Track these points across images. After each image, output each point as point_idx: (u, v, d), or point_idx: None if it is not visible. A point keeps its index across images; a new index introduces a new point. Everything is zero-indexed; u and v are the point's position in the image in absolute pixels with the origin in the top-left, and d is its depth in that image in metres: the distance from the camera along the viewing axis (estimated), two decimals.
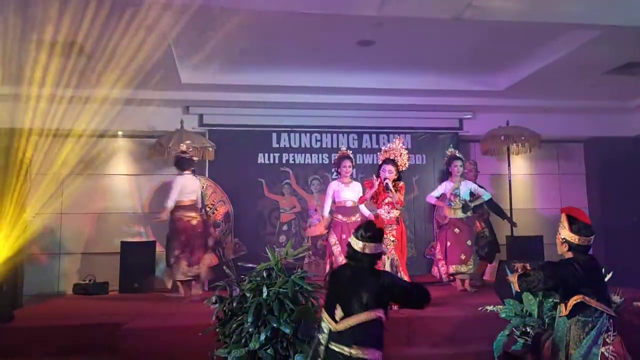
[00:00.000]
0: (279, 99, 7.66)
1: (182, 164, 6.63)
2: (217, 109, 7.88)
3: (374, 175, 5.52)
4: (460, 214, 6.60)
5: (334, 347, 2.82)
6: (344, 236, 6.02)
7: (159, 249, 7.65)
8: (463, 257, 6.48)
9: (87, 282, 7.23)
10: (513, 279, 3.27)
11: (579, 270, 3.11)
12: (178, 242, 6.37)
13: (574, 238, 3.17)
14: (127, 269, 7.24)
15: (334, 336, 2.83)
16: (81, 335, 4.52)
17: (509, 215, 7.63)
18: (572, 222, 3.22)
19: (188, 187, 6.55)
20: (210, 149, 7.42)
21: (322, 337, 2.89)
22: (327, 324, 2.88)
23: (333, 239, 6.02)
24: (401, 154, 5.50)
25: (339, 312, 2.83)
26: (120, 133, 7.96)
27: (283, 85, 7.36)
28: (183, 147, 6.69)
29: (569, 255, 3.21)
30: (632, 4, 4.85)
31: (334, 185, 6.08)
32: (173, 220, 6.46)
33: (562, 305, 3.20)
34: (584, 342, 3.06)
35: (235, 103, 7.73)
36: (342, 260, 5.90)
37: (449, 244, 6.56)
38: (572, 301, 3.10)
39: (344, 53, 6.62)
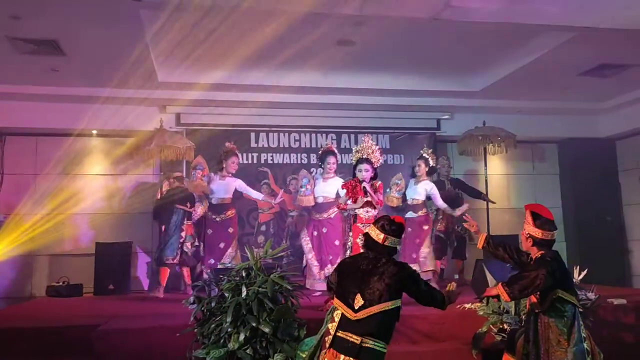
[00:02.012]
0: (257, 99, 7.62)
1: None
2: (195, 108, 7.80)
3: (353, 179, 5.43)
4: (410, 214, 6.50)
5: (343, 335, 2.80)
6: (315, 233, 6.04)
7: (135, 250, 7.55)
8: (414, 256, 6.31)
9: (61, 284, 7.07)
10: (498, 291, 3.20)
11: (554, 264, 3.17)
12: None
13: (537, 233, 3.25)
14: (102, 270, 7.10)
15: (345, 325, 2.82)
16: (55, 337, 4.41)
17: (486, 213, 7.73)
18: (536, 217, 3.30)
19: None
20: (190, 149, 7.34)
21: (332, 326, 2.87)
22: (340, 312, 2.86)
23: (305, 236, 6.06)
24: (373, 151, 5.46)
25: (358, 301, 2.82)
26: (94, 132, 7.82)
27: (262, 85, 7.33)
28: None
29: (534, 250, 3.26)
30: (604, 7, 4.95)
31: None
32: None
33: (536, 302, 3.23)
34: (571, 344, 3.08)
35: (213, 102, 7.66)
36: (311, 257, 5.96)
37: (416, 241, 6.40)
38: (550, 297, 3.14)
39: (323, 52, 6.61)
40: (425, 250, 6.35)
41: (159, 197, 6.94)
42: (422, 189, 6.57)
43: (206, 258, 6.57)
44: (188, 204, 6.72)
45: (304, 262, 6.31)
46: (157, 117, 7.52)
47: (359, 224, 5.14)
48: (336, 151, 6.22)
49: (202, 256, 6.71)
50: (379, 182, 5.39)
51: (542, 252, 3.25)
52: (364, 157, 5.35)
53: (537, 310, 3.23)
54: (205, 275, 6.24)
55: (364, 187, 5.19)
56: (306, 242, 6.11)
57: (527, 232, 3.28)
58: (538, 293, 3.17)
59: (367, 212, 5.23)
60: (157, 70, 6.72)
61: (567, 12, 5.01)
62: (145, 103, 7.55)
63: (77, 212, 7.72)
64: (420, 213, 6.53)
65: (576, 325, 3.11)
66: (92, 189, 7.87)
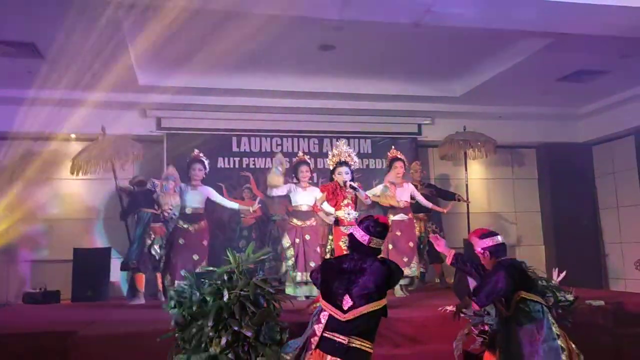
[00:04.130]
0: (239, 103, 7.60)
1: None
2: (176, 112, 7.74)
3: (332, 182, 5.44)
4: (401, 216, 6.51)
5: (330, 336, 2.80)
6: (297, 240, 6.05)
7: (115, 255, 7.44)
8: (405, 259, 6.32)
9: (38, 290, 6.93)
10: (466, 304, 3.29)
11: (511, 268, 3.27)
12: None
13: (487, 242, 3.38)
14: (80, 276, 6.97)
15: (332, 326, 2.81)
16: (31, 344, 4.29)
17: (467, 218, 7.80)
18: (478, 235, 3.47)
19: None
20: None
21: (318, 328, 2.85)
22: (327, 314, 2.85)
23: (287, 242, 6.05)
24: (349, 154, 5.51)
25: (347, 302, 2.81)
26: (73, 136, 7.70)
27: (243, 89, 7.31)
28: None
29: (493, 261, 3.36)
30: (580, 13, 5.05)
31: (291, 187, 6.23)
32: None
33: (502, 307, 3.31)
34: (541, 340, 3.13)
35: (194, 106, 7.63)
36: (291, 264, 5.94)
37: (390, 247, 6.36)
38: (515, 300, 3.21)
39: (305, 57, 6.64)
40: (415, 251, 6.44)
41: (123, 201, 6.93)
42: (408, 191, 6.61)
43: (177, 267, 6.19)
44: (155, 206, 6.61)
45: (283, 268, 6.23)
46: (138, 121, 7.45)
47: (340, 227, 5.14)
48: (308, 160, 6.35)
49: (171, 264, 6.43)
50: (357, 183, 5.41)
51: (496, 261, 3.35)
52: (342, 160, 5.37)
53: (504, 316, 3.28)
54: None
55: (351, 184, 5.20)
56: (289, 249, 6.06)
57: (480, 249, 3.40)
58: (504, 299, 3.26)
59: (348, 214, 5.23)
60: (137, 74, 6.66)
61: (545, 18, 5.10)
62: (125, 107, 7.46)
63: (55, 217, 7.59)
64: (410, 215, 6.58)
65: (545, 322, 3.15)
66: (70, 193, 7.74)
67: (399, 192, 6.56)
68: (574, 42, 5.69)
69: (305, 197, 6.18)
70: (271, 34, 5.91)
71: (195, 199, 6.57)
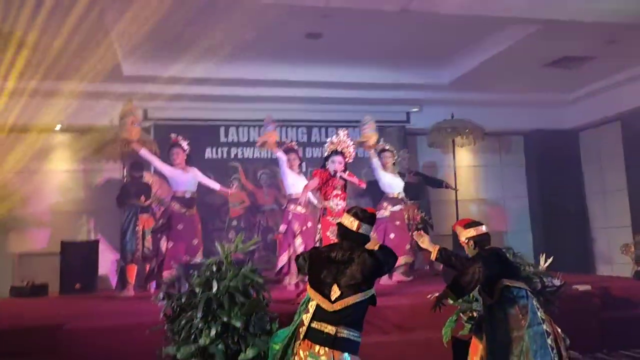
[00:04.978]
0: (226, 92, 7.55)
1: None
2: (162, 102, 7.65)
3: (324, 169, 5.42)
4: (398, 207, 6.60)
5: (317, 325, 2.80)
6: (304, 228, 5.92)
7: (104, 247, 7.40)
8: (408, 247, 6.48)
9: (25, 284, 6.86)
10: (445, 295, 3.29)
11: (491, 257, 3.30)
12: None
13: (471, 232, 3.43)
14: (68, 269, 6.92)
15: (320, 315, 2.81)
16: (19, 338, 4.26)
17: (455, 204, 7.84)
18: (463, 225, 3.51)
19: None
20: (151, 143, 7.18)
21: (306, 317, 2.85)
22: (315, 303, 2.85)
23: (291, 231, 5.86)
24: (348, 145, 5.49)
25: (335, 292, 2.80)
26: (58, 127, 7.60)
27: (230, 78, 7.26)
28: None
29: (478, 250, 3.40)
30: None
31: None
32: None
33: (486, 295, 3.34)
34: (525, 324, 3.16)
35: (181, 96, 7.53)
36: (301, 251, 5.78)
37: (392, 235, 6.44)
38: (498, 287, 3.24)
39: (292, 45, 6.59)
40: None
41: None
42: (399, 181, 6.65)
43: (180, 254, 6.04)
44: (143, 198, 6.58)
45: (285, 258, 5.86)
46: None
47: (328, 217, 5.14)
48: (296, 147, 6.32)
49: (165, 251, 6.16)
50: (348, 172, 5.39)
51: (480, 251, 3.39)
52: (337, 149, 5.35)
53: (488, 303, 3.32)
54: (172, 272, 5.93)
55: (341, 175, 5.19)
56: (294, 237, 5.80)
57: (465, 239, 3.44)
58: (487, 287, 3.29)
59: (337, 205, 5.21)
60: (122, 64, 6.58)
61: (532, 4, 5.10)
62: (110, 97, 7.36)
63: (42, 210, 7.51)
64: (402, 205, 6.66)
65: (530, 307, 3.18)
66: (57, 185, 7.67)
67: (395, 182, 6.64)
68: (561, 28, 5.70)
69: (301, 184, 6.06)
70: (258, 23, 5.86)
71: (189, 182, 6.30)
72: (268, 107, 7.95)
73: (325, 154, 5.45)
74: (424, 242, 3.63)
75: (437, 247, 3.57)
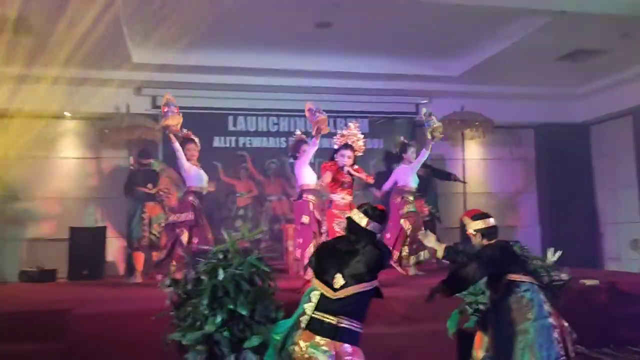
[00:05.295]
0: (235, 81, 7.54)
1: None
2: (171, 90, 7.62)
3: (333, 162, 5.35)
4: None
5: (319, 316, 2.83)
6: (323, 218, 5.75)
7: (112, 234, 7.45)
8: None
9: (34, 269, 6.94)
10: (438, 289, 3.28)
11: (497, 251, 3.30)
12: None
13: (479, 224, 3.42)
14: (76, 255, 6.99)
15: (323, 306, 2.85)
16: (27, 321, 4.32)
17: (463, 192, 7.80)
18: (471, 216, 3.51)
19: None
20: (156, 131, 7.21)
21: (309, 307, 2.89)
22: (319, 292, 2.89)
23: (317, 221, 5.60)
24: (358, 138, 5.46)
25: (339, 281, 2.85)
26: (68, 114, 7.64)
27: (239, 67, 7.24)
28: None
29: (485, 243, 3.39)
30: None
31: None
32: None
33: (491, 289, 3.34)
34: (527, 316, 3.14)
35: (190, 85, 7.54)
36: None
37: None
38: (502, 282, 3.23)
39: (301, 35, 6.56)
40: None
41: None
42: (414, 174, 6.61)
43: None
44: (150, 185, 6.58)
45: (308, 251, 5.36)
46: (133, 99, 7.40)
47: (334, 210, 5.12)
48: (306, 138, 6.09)
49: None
50: (357, 166, 5.36)
51: (487, 243, 3.37)
52: (348, 143, 5.32)
53: (494, 298, 3.32)
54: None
55: (348, 171, 5.17)
56: (319, 225, 5.52)
57: (472, 230, 3.44)
58: (492, 282, 3.31)
59: (343, 198, 5.19)
60: (132, 51, 6.58)
61: None
62: (119, 85, 7.38)
63: (51, 196, 7.56)
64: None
65: (535, 301, 3.17)
66: (66, 172, 7.70)
67: (410, 175, 6.54)
68: (574, 20, 5.62)
69: (311, 175, 5.96)
70: (268, 11, 5.84)
71: (203, 177, 6.14)
72: (276, 97, 7.99)
73: (335, 147, 5.42)
74: (430, 241, 3.65)
75: (444, 246, 3.57)
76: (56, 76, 6.92)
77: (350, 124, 5.59)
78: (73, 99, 7.29)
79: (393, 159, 8.15)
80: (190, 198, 5.91)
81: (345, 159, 5.19)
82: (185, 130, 6.22)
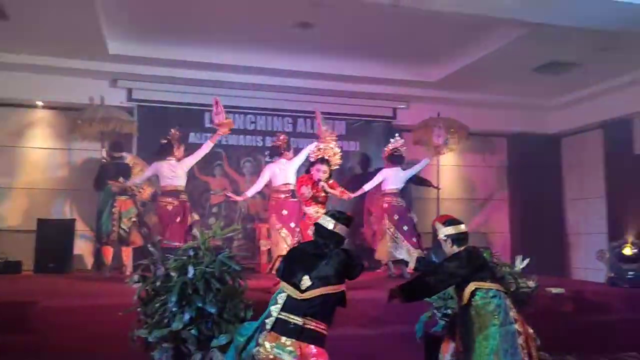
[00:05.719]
0: (213, 77, 7.46)
1: (162, 151, 6.21)
2: (147, 83, 7.56)
3: (309, 174, 5.34)
4: (397, 201, 6.63)
5: (285, 317, 2.86)
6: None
7: (80, 228, 7.30)
8: (414, 239, 6.42)
9: None
10: (395, 294, 3.32)
11: (464, 259, 3.34)
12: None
13: (450, 230, 3.45)
14: (43, 248, 6.84)
15: (289, 307, 2.87)
16: None
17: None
18: (443, 221, 3.54)
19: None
20: (131, 124, 7.13)
21: (275, 309, 2.91)
22: (286, 294, 2.92)
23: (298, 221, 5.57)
24: (335, 153, 5.45)
25: (305, 282, 2.89)
26: (39, 103, 7.46)
27: (218, 64, 7.18)
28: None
29: (456, 250, 3.42)
30: (557, 4, 5.08)
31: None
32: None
33: (458, 296, 3.38)
34: (493, 322, 3.18)
35: (167, 79, 7.46)
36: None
37: (406, 228, 6.46)
38: (468, 290, 3.27)
39: (282, 34, 6.54)
40: None
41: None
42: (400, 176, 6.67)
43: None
44: (121, 179, 6.48)
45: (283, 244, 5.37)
46: (108, 91, 7.28)
47: (307, 221, 5.12)
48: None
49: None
50: (332, 181, 5.35)
51: (456, 250, 3.41)
52: (324, 157, 5.31)
53: (461, 303, 3.35)
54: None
55: (323, 187, 5.16)
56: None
57: (443, 236, 3.46)
58: (458, 290, 3.34)
59: (317, 212, 5.15)
60: (108, 42, 6.46)
61: (523, 6, 5.11)
62: (94, 75, 7.26)
63: (18, 186, 7.38)
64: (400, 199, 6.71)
65: (502, 307, 3.21)
66: (36, 162, 7.53)
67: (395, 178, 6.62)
68: (550, 33, 5.73)
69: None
70: (249, 7, 5.81)
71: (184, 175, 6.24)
72: (254, 95, 7.94)
73: (311, 160, 5.39)
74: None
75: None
76: (29, 64, 6.78)
77: (329, 138, 5.59)
78: (46, 88, 7.15)
79: (370, 161, 8.23)
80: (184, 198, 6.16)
81: (320, 173, 5.18)
82: (175, 129, 6.37)
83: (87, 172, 7.11)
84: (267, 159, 7.93)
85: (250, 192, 5.86)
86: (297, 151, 5.91)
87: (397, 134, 6.98)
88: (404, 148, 6.81)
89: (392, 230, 6.41)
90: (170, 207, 6.00)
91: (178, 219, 6.04)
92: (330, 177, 5.29)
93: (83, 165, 7.52)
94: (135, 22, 6.29)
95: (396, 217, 6.48)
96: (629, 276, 6.17)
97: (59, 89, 7.18)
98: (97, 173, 6.74)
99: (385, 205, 6.54)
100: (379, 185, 6.66)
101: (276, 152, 5.94)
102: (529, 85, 7.91)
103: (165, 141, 6.24)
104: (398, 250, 6.32)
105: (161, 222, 6.04)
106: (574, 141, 9.13)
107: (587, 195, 8.84)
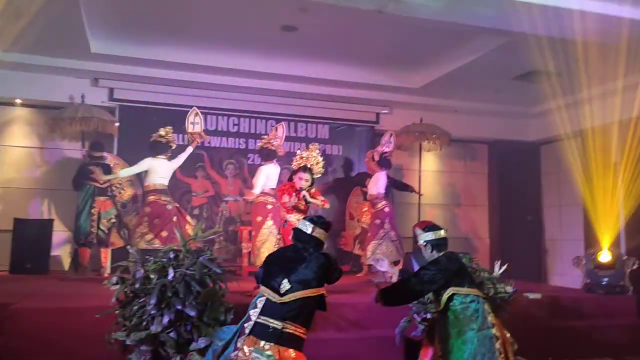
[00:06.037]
0: (196, 79, 7.43)
1: (157, 148, 6.24)
2: (130, 83, 7.49)
3: (291, 182, 5.36)
4: (383, 204, 6.86)
5: (264, 320, 2.85)
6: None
7: (59, 228, 7.19)
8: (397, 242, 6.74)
9: None
10: (377, 298, 3.38)
11: (443, 265, 3.37)
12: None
13: (430, 236, 3.49)
14: (20, 248, 6.71)
15: (267, 311, 2.88)
16: None
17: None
18: (423, 227, 3.58)
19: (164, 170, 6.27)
20: (112, 124, 7.03)
21: (253, 313, 2.91)
22: (264, 299, 2.92)
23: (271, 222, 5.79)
24: (318, 162, 5.50)
25: (285, 285, 2.90)
26: (18, 101, 7.35)
27: (201, 65, 7.14)
28: (162, 132, 6.34)
29: (435, 255, 3.45)
30: (538, 15, 5.16)
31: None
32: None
33: (436, 301, 3.41)
34: (471, 326, 3.22)
35: (149, 79, 7.40)
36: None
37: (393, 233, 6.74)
38: (445, 295, 3.31)
39: (266, 37, 6.54)
40: None
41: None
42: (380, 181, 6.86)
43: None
44: (101, 174, 6.45)
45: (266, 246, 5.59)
46: (89, 90, 7.19)
47: (288, 229, 5.12)
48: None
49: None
50: (314, 189, 5.37)
51: (435, 256, 3.44)
52: (307, 165, 5.33)
53: (439, 308, 3.38)
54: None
55: (304, 195, 5.17)
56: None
57: (423, 241, 3.49)
58: (436, 295, 3.38)
59: (298, 220, 5.14)
60: (90, 40, 6.39)
61: (504, 16, 5.19)
62: (76, 74, 7.17)
63: None
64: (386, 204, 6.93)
65: (480, 312, 3.25)
66: (13, 161, 7.40)
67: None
68: (528, 42, 5.82)
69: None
70: (234, 10, 5.80)
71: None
72: (238, 97, 7.92)
73: (293, 168, 5.42)
74: (383, 265, 3.84)
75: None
76: (8, 61, 6.66)
77: (310, 146, 5.69)
78: (25, 86, 7.04)
79: (352, 165, 8.27)
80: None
81: (302, 182, 5.19)
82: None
83: (66, 171, 7.00)
84: (249, 161, 7.95)
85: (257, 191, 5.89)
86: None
87: (390, 134, 7.11)
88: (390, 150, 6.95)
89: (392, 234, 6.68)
90: (170, 207, 6.08)
91: (175, 219, 6.06)
92: (312, 185, 5.31)
93: (62, 165, 7.41)
94: (119, 21, 6.23)
95: (378, 221, 6.55)
96: (603, 282, 6.28)
97: (39, 87, 7.08)
98: (76, 173, 6.65)
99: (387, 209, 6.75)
100: (364, 190, 6.76)
101: (273, 156, 6.09)
102: (509, 93, 8.02)
103: (163, 139, 6.25)
104: (380, 263, 6.40)
105: (160, 219, 6.03)
106: (551, 149, 9.25)
107: (565, 203, 8.97)
